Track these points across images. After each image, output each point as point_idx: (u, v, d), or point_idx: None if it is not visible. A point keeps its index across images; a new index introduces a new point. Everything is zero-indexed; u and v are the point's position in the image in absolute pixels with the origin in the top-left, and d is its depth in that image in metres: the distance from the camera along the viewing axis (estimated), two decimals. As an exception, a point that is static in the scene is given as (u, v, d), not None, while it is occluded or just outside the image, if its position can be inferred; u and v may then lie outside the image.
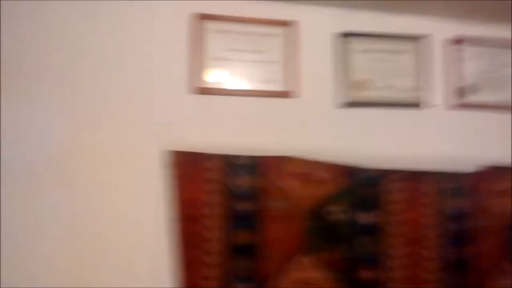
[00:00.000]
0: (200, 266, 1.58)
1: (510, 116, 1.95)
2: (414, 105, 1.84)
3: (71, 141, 1.56)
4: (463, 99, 1.90)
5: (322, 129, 1.77)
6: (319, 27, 1.78)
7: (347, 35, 1.79)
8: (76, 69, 1.59)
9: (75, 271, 1.52)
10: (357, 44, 1.80)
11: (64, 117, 1.56)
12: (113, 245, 1.56)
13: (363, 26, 1.82)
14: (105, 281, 1.53)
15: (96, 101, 1.60)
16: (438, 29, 1.89)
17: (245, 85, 1.70)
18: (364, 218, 1.74)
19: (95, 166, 1.57)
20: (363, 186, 1.75)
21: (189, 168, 1.61)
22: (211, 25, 1.67)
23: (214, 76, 1.67)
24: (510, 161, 1.91)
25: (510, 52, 1.96)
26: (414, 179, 1.79)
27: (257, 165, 1.66)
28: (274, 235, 1.66)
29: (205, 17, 1.67)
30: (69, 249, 1.53)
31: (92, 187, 1.56)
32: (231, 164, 1.64)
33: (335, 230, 1.71)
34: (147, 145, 1.60)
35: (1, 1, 1.54)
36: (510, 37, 1.96)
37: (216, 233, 1.60)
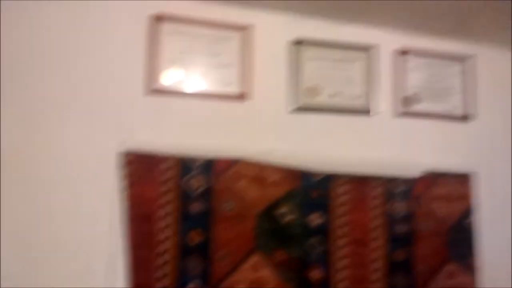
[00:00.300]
0: (152, 267, 1.58)
1: (452, 124, 2.06)
2: (362, 112, 1.93)
3: (27, 141, 1.54)
4: (409, 107, 2.00)
5: (274, 132, 1.81)
6: (274, 32, 1.84)
7: (300, 42, 1.86)
8: (32, 69, 1.57)
9: (29, 270, 1.49)
10: (309, 52, 1.87)
11: (19, 117, 1.54)
12: (68, 245, 1.54)
13: (316, 34, 1.89)
14: (59, 281, 1.51)
15: (52, 101, 1.58)
16: (386, 40, 1.99)
17: (201, 87, 1.73)
18: (314, 219, 1.79)
19: (50, 166, 1.55)
20: (312, 189, 1.80)
21: (144, 169, 1.62)
22: (167, 27, 1.70)
23: (170, 78, 1.69)
24: (453, 167, 2.01)
25: (452, 64, 2.08)
26: (362, 182, 1.86)
27: (210, 167, 1.69)
28: (227, 235, 1.68)
29: (162, 19, 1.69)
30: (23, 249, 1.50)
31: (47, 187, 1.54)
32: (185, 165, 1.66)
33: (286, 231, 1.75)
34: (103, 146, 1.60)
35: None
36: (452, 50, 2.09)
37: (169, 233, 1.61)
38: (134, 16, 1.68)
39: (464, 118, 2.08)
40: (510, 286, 2.01)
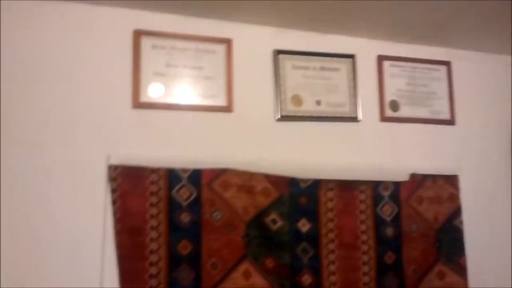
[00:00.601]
0: (144, 277, 1.60)
1: (436, 127, 2.10)
2: (347, 118, 1.97)
3: (17, 154, 1.56)
4: (394, 113, 2.04)
5: (260, 141, 1.85)
6: (256, 44, 1.89)
7: (282, 52, 1.90)
8: (21, 84, 1.60)
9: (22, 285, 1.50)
10: (292, 61, 1.92)
11: (6, 132, 1.56)
12: (61, 257, 1.55)
13: (298, 44, 1.94)
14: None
15: (40, 116, 1.60)
16: (367, 48, 2.05)
17: (186, 99, 1.76)
18: (303, 225, 1.82)
19: (40, 179, 1.57)
20: (300, 195, 1.83)
21: (132, 182, 1.64)
22: (152, 41, 1.74)
23: (157, 91, 1.73)
24: (440, 169, 2.04)
25: (433, 69, 2.13)
26: (349, 187, 1.89)
27: (198, 177, 1.71)
28: (217, 244, 1.70)
29: (146, 33, 1.74)
30: (18, 262, 1.51)
31: (37, 200, 1.56)
32: (174, 176, 1.69)
33: (276, 238, 1.78)
34: (92, 159, 1.62)
35: None
36: (432, 56, 2.14)
37: (159, 244, 1.63)
38: (119, 32, 1.72)
39: (448, 121, 2.12)
40: (495, 285, 2.03)
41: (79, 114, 1.65)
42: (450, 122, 2.13)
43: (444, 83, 2.15)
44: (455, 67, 2.18)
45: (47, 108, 1.62)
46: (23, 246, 1.53)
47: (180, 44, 1.77)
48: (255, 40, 1.89)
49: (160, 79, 1.73)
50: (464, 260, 2.00)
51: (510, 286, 2.07)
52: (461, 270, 1.99)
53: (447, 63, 2.17)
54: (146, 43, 1.73)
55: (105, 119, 1.67)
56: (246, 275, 1.72)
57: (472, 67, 2.22)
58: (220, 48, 1.82)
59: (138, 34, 1.73)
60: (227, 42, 1.83)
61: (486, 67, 2.25)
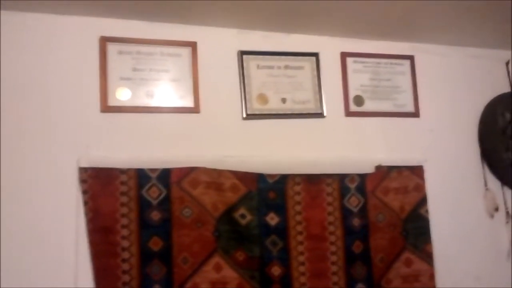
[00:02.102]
0: (117, 273, 1.67)
1: (400, 120, 2.17)
2: (312, 114, 2.04)
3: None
4: (358, 107, 2.12)
5: (228, 140, 1.92)
6: (221, 46, 1.96)
7: (246, 53, 1.97)
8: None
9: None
10: (256, 61, 1.99)
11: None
12: (35, 257, 1.62)
13: (261, 45, 2.01)
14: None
15: (12, 121, 1.67)
16: (330, 45, 2.12)
17: (154, 102, 1.83)
18: (272, 219, 1.89)
19: (13, 183, 1.63)
20: (268, 190, 1.91)
21: (103, 183, 1.71)
22: (118, 47, 1.81)
23: (124, 95, 1.80)
24: (405, 160, 2.12)
25: (395, 64, 2.21)
26: (316, 181, 1.97)
27: (168, 176, 1.78)
28: (189, 240, 1.77)
29: (113, 40, 1.80)
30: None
31: (10, 203, 1.62)
32: (143, 176, 1.76)
33: (245, 232, 1.85)
34: (63, 163, 1.69)
35: None
36: (394, 52, 2.22)
37: (131, 241, 1.70)
38: (86, 39, 1.79)
39: (412, 114, 2.20)
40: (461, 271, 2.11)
41: (49, 119, 1.71)
42: (415, 114, 2.20)
43: (408, 77, 2.22)
44: (418, 61, 2.25)
45: (18, 114, 1.68)
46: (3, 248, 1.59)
47: (145, 49, 1.84)
48: (219, 42, 1.96)
49: (127, 83, 1.80)
50: (430, 248, 2.07)
51: (476, 271, 2.14)
52: (428, 258, 2.06)
53: (410, 57, 2.24)
54: (112, 49, 1.80)
55: (75, 123, 1.74)
56: (217, 268, 1.79)
57: (436, 60, 2.29)
58: (185, 51, 1.89)
59: (104, 41, 1.79)
60: (192, 45, 1.90)
61: (449, 60, 2.32)
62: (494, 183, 2.26)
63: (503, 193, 2.27)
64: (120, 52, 1.81)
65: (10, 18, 1.71)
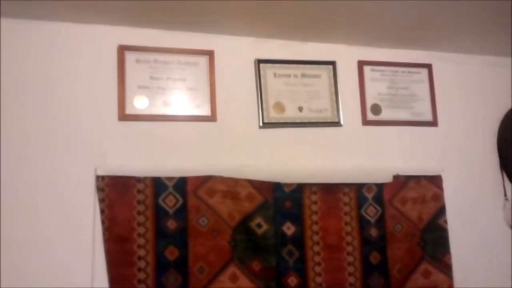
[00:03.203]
0: (134, 282, 1.66)
1: (418, 129, 2.15)
2: (329, 123, 2.02)
3: (8, 168, 1.63)
4: (376, 116, 2.10)
5: (244, 149, 1.91)
6: (238, 55, 1.96)
7: (263, 61, 1.97)
8: (9, 99, 1.67)
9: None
10: (273, 69, 1.98)
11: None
12: (52, 266, 1.62)
13: (278, 53, 2.01)
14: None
15: (30, 130, 1.68)
16: (347, 53, 2.11)
17: (171, 111, 1.83)
18: (288, 228, 1.87)
19: (30, 192, 1.64)
20: (285, 199, 1.89)
21: (119, 191, 1.71)
22: (136, 56, 1.81)
23: (141, 103, 1.80)
24: (423, 170, 2.09)
25: (413, 72, 2.19)
26: (332, 190, 1.95)
27: (184, 185, 1.78)
28: (203, 249, 1.76)
29: (130, 48, 1.81)
30: (10, 273, 1.57)
31: (29, 211, 1.63)
32: (160, 185, 1.75)
33: (261, 241, 1.83)
34: (81, 171, 1.69)
35: None
36: (411, 61, 2.20)
37: (147, 250, 1.69)
38: (104, 48, 1.80)
39: (430, 123, 2.17)
40: (480, 283, 2.07)
41: (67, 128, 1.72)
42: (432, 123, 2.18)
43: (425, 85, 2.20)
44: (436, 69, 2.23)
45: (36, 123, 1.69)
46: (17, 257, 1.59)
47: (163, 57, 1.84)
48: (237, 51, 1.96)
49: (145, 92, 1.80)
50: (449, 259, 2.04)
51: (495, 283, 2.10)
52: (446, 269, 2.03)
53: (428, 66, 2.22)
54: (130, 57, 1.80)
55: (92, 132, 1.74)
56: (233, 278, 1.77)
57: (453, 68, 2.27)
58: (202, 60, 1.89)
59: (122, 49, 1.80)
60: (209, 53, 1.90)
61: (467, 68, 2.29)
62: (513, 193, 2.22)
63: (523, 204, 2.22)
64: (138, 61, 1.81)
65: (29, 26, 1.72)
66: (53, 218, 1.65)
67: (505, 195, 2.21)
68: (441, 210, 2.08)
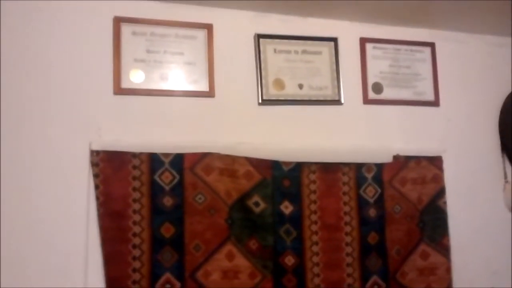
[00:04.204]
0: (127, 260, 1.63)
1: (420, 109, 2.11)
2: (330, 101, 1.98)
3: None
4: (377, 95, 2.06)
5: (243, 125, 1.87)
6: (237, 28, 1.90)
7: (263, 36, 1.92)
8: (2, 73, 1.62)
9: (5, 269, 1.53)
10: (273, 45, 1.93)
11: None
12: (45, 240, 1.59)
13: (279, 28, 1.96)
14: (38, 276, 1.56)
15: (22, 104, 1.64)
16: (349, 30, 2.05)
17: (168, 85, 1.78)
18: (287, 207, 1.85)
19: (23, 165, 1.60)
20: (283, 178, 1.86)
21: (115, 167, 1.67)
22: (132, 28, 1.76)
23: (138, 77, 1.75)
24: (423, 150, 2.06)
25: (415, 51, 2.14)
26: (332, 169, 1.91)
27: (181, 161, 1.74)
28: (200, 227, 1.73)
29: (127, 20, 1.76)
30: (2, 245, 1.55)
31: (21, 186, 1.59)
32: (156, 161, 1.72)
33: (259, 220, 1.81)
34: (76, 145, 1.65)
35: None
36: (414, 37, 2.15)
37: (142, 227, 1.66)
38: (99, 19, 1.74)
39: (432, 102, 2.13)
40: (478, 265, 2.05)
41: (61, 102, 1.67)
42: (434, 103, 2.14)
43: (428, 64, 2.15)
44: (439, 48, 2.18)
45: (28, 97, 1.65)
46: (12, 230, 1.56)
47: (160, 30, 1.79)
48: (236, 25, 1.90)
49: (141, 66, 1.76)
50: (448, 240, 2.02)
51: (494, 266, 2.09)
52: (444, 250, 2.01)
53: (431, 44, 2.17)
54: (126, 30, 1.75)
55: (87, 105, 1.70)
56: (230, 256, 1.75)
57: (457, 47, 2.22)
58: (201, 34, 1.83)
59: (118, 21, 1.75)
60: (208, 27, 1.84)
61: (470, 48, 2.25)
62: (514, 175, 2.20)
63: (524, 186, 2.20)
64: (134, 33, 1.76)
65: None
66: (47, 193, 1.61)
67: (505, 177, 2.19)
68: (441, 192, 2.05)
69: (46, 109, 1.66)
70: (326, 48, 2.00)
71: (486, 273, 2.07)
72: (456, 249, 2.02)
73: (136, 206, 1.67)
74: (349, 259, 1.88)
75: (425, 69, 2.15)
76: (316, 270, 1.83)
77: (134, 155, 1.69)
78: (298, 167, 1.88)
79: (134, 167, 1.68)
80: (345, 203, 1.91)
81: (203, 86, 1.81)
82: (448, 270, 1.99)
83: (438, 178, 2.06)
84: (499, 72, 2.27)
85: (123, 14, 1.75)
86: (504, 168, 2.19)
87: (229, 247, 1.75)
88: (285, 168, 1.87)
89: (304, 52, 1.97)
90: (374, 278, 1.90)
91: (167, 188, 1.71)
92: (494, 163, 2.20)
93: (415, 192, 2.02)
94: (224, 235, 1.75)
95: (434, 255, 1.99)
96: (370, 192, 1.95)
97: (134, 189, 1.67)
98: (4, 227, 1.55)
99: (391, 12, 2.00)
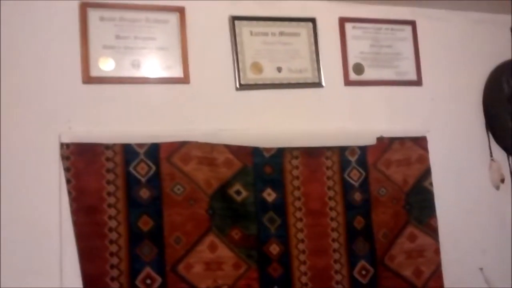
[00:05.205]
0: (104, 255, 1.57)
1: (402, 89, 2.06)
2: (310, 84, 1.92)
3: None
4: (358, 76, 2.00)
5: (221, 112, 1.81)
6: (211, 12, 1.83)
7: (238, 18, 1.85)
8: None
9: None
10: (249, 27, 1.86)
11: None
12: (17, 241, 1.52)
13: (254, 10, 1.89)
14: (12, 275, 1.49)
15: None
16: (327, 10, 1.99)
17: (140, 72, 1.71)
18: (269, 195, 1.79)
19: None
20: (265, 165, 1.80)
21: (86, 160, 1.60)
22: (100, 13, 1.68)
23: (108, 65, 1.68)
24: (408, 132, 2.01)
25: (395, 30, 2.08)
26: (314, 154, 1.86)
27: (157, 151, 1.67)
28: (181, 218, 1.67)
29: (94, 5, 1.68)
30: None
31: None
32: (130, 152, 1.65)
33: (242, 208, 1.75)
34: (44, 138, 1.58)
35: None
36: (395, 17, 2.09)
37: (119, 221, 1.60)
38: (65, 5, 1.66)
39: (415, 82, 2.09)
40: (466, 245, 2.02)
41: (28, 92, 1.60)
42: (417, 83, 2.09)
43: (410, 43, 2.11)
44: (420, 26, 2.13)
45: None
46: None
47: (129, 14, 1.72)
48: (210, 7, 1.83)
49: (111, 53, 1.68)
50: (435, 221, 1.98)
51: (482, 246, 2.06)
52: (432, 232, 1.97)
53: (411, 23, 2.12)
54: (93, 15, 1.67)
55: (55, 96, 1.63)
56: (212, 247, 1.69)
57: (438, 25, 2.17)
58: (173, 17, 1.76)
59: (84, 6, 1.67)
60: (180, 10, 1.77)
61: (452, 25, 2.20)
62: (499, 153, 2.16)
63: (509, 164, 2.17)
64: (102, 19, 1.68)
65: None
66: (17, 189, 1.54)
67: (491, 155, 2.15)
68: (427, 172, 2.01)
69: (12, 101, 1.57)
70: (304, 29, 1.94)
71: (475, 253, 2.05)
72: (444, 230, 1.98)
73: (111, 199, 1.60)
74: (335, 245, 1.83)
75: (407, 48, 2.10)
76: (302, 257, 1.78)
77: (107, 146, 1.62)
78: (280, 153, 1.82)
79: (108, 159, 1.61)
80: (329, 188, 1.86)
81: (178, 72, 1.74)
82: (437, 251, 1.96)
83: (423, 159, 2.02)
84: (482, 49, 2.24)
85: (90, -1, 1.67)
86: (490, 146, 2.16)
87: (211, 238, 1.69)
88: (266, 155, 1.81)
89: (281, 34, 1.90)
90: (362, 263, 1.85)
91: (143, 179, 1.64)
92: (479, 141, 2.16)
93: (400, 174, 1.98)
94: (205, 226, 1.69)
95: (421, 237, 1.95)
96: (354, 176, 1.90)
97: (108, 182, 1.60)
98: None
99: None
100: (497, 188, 2.13)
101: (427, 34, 2.14)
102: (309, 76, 1.92)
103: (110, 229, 1.58)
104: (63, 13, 1.66)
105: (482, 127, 2.18)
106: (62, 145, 1.58)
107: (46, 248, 1.54)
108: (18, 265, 1.51)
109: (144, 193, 1.64)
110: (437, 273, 1.94)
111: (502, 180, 2.12)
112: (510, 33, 2.28)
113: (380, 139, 1.96)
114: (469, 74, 2.19)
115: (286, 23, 1.92)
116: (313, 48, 1.93)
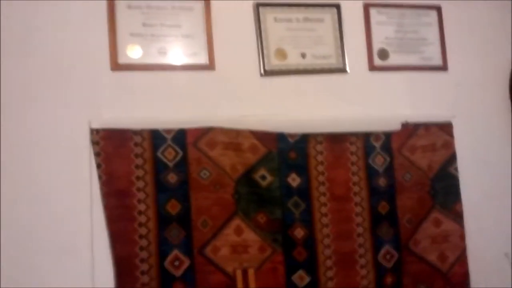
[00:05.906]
0: (133, 238, 1.61)
1: (428, 74, 2.05)
2: (335, 70, 1.92)
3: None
4: (383, 61, 1.99)
5: (246, 98, 1.82)
6: (235, -2, 1.84)
7: (262, 5, 1.85)
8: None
9: (12, 253, 1.52)
10: (274, 13, 1.87)
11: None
12: (51, 221, 1.57)
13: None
14: (44, 257, 1.55)
15: (19, 83, 1.60)
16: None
17: (166, 59, 1.74)
18: (294, 180, 1.81)
19: (21, 149, 1.58)
20: (289, 150, 1.82)
21: (116, 145, 1.64)
22: (127, 1, 1.71)
23: (135, 52, 1.70)
24: (433, 117, 2.00)
25: (421, 15, 2.07)
26: (338, 139, 1.87)
27: (184, 137, 1.70)
28: (207, 202, 1.70)
29: (120, -6, 1.70)
30: (5, 230, 1.53)
31: (21, 170, 1.57)
32: (158, 137, 1.68)
33: (266, 193, 1.77)
34: (75, 124, 1.62)
35: None
36: (420, 2, 2.07)
37: (148, 205, 1.63)
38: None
39: (440, 67, 2.07)
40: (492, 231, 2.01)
41: (58, 80, 1.64)
42: (442, 68, 2.07)
43: (435, 28, 2.08)
44: (445, 11, 2.10)
45: (25, 76, 1.61)
46: (15, 217, 1.54)
47: (155, 2, 1.74)
48: (235, -6, 1.84)
49: (138, 40, 1.71)
50: (460, 207, 1.97)
51: (508, 231, 2.04)
52: (457, 217, 1.96)
53: (437, 8, 2.10)
54: (120, 3, 1.71)
55: (85, 83, 1.66)
56: (238, 231, 1.72)
57: (464, 10, 2.14)
58: (198, 4, 1.78)
59: (112, -5, 1.69)
60: (205, -3, 1.79)
61: (478, 10, 2.16)
62: (525, 139, 2.13)
63: (536, 149, 2.14)
64: (129, 7, 1.71)
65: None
66: (49, 174, 1.59)
67: (517, 141, 2.13)
68: (452, 158, 2.00)
69: (43, 88, 1.62)
70: (328, 15, 1.94)
71: (500, 238, 2.03)
72: (469, 216, 1.97)
73: (140, 183, 1.63)
74: (359, 229, 1.84)
75: (432, 34, 2.08)
76: (326, 241, 1.80)
77: (135, 132, 1.65)
78: (304, 139, 1.83)
79: (136, 144, 1.65)
80: (353, 173, 1.87)
81: (203, 59, 1.76)
82: (462, 236, 1.95)
83: (448, 145, 2.01)
84: (508, 35, 2.19)
85: (117, -12, 1.70)
86: (516, 132, 2.13)
87: (237, 221, 1.72)
88: (291, 140, 1.82)
89: (305, 19, 1.91)
90: (386, 247, 1.86)
91: (170, 164, 1.67)
92: (505, 127, 2.13)
93: (425, 159, 1.97)
94: (231, 210, 1.72)
95: (446, 222, 1.95)
96: (379, 161, 1.91)
97: (137, 166, 1.64)
98: (7, 210, 1.53)
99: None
100: (523, 174, 2.10)
101: (453, 19, 2.11)
102: (333, 62, 1.92)
103: (139, 212, 1.62)
104: (92, 2, 1.69)
105: (508, 113, 2.15)
106: (92, 130, 1.62)
107: (78, 230, 1.58)
108: (52, 246, 1.56)
109: (172, 178, 1.67)
110: (462, 258, 1.94)
111: (528, 166, 2.09)
112: (538, 17, 2.24)
113: (405, 125, 1.95)
114: (495, 59, 2.16)
115: (310, 8, 1.92)
116: (337, 33, 1.93)
